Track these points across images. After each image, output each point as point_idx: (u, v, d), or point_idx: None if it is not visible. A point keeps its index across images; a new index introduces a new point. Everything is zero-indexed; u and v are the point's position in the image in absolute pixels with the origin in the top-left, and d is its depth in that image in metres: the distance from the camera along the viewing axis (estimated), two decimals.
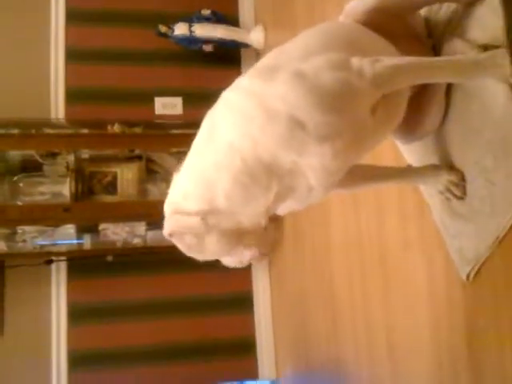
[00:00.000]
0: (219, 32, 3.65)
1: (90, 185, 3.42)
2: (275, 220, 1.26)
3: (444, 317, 1.68)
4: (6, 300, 3.35)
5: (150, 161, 3.52)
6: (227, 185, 1.15)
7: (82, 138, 3.38)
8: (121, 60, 3.76)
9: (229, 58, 3.83)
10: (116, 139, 3.40)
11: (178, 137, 3.34)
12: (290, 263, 3.29)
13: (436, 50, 1.52)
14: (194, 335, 3.54)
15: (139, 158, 3.50)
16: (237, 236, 1.20)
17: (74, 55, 3.70)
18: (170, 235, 1.20)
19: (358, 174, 1.41)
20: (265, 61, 1.29)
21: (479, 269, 1.47)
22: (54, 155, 3.39)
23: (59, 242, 3.40)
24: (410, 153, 1.71)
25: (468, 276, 1.51)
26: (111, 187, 3.44)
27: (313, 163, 1.16)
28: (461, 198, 1.49)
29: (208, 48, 3.69)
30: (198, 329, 3.55)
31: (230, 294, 3.62)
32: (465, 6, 1.43)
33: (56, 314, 3.44)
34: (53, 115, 3.59)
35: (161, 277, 3.57)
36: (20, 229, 3.30)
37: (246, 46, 3.76)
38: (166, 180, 2.98)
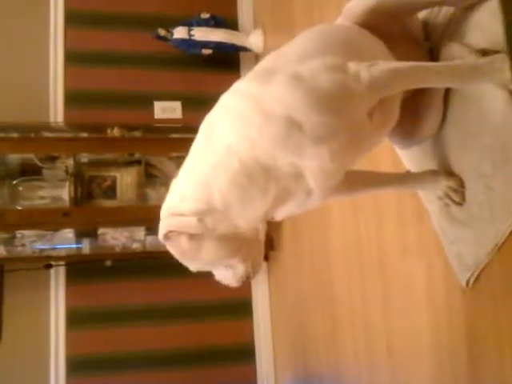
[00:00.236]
0: (218, 36, 3.65)
1: (89, 189, 3.41)
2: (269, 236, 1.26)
3: (443, 322, 1.68)
4: (4, 304, 3.33)
5: (149, 165, 3.51)
6: (224, 186, 1.15)
7: (81, 141, 3.36)
8: (120, 63, 3.75)
9: (228, 62, 3.82)
10: (115, 143, 3.37)
11: (177, 141, 3.32)
12: (289, 268, 3.28)
13: (433, 54, 1.52)
14: (193, 340, 3.52)
15: (138, 162, 3.48)
16: (234, 244, 1.20)
17: (73, 58, 3.69)
18: (166, 237, 1.19)
19: (357, 181, 1.41)
20: (262, 64, 1.29)
21: (478, 275, 1.46)
22: (53, 159, 3.37)
23: (58, 246, 3.38)
24: (409, 158, 1.70)
25: (468, 282, 1.50)
26: (110, 191, 3.43)
27: (310, 165, 1.16)
28: (459, 204, 1.48)
29: (207, 52, 3.68)
30: (197, 334, 3.54)
31: (228, 300, 3.59)
32: (463, 9, 1.43)
33: (55, 318, 3.42)
34: (52, 119, 3.57)
35: (160, 282, 3.55)
36: (19, 233, 3.29)
37: (246, 49, 3.75)
38: (166, 184, 2.95)
